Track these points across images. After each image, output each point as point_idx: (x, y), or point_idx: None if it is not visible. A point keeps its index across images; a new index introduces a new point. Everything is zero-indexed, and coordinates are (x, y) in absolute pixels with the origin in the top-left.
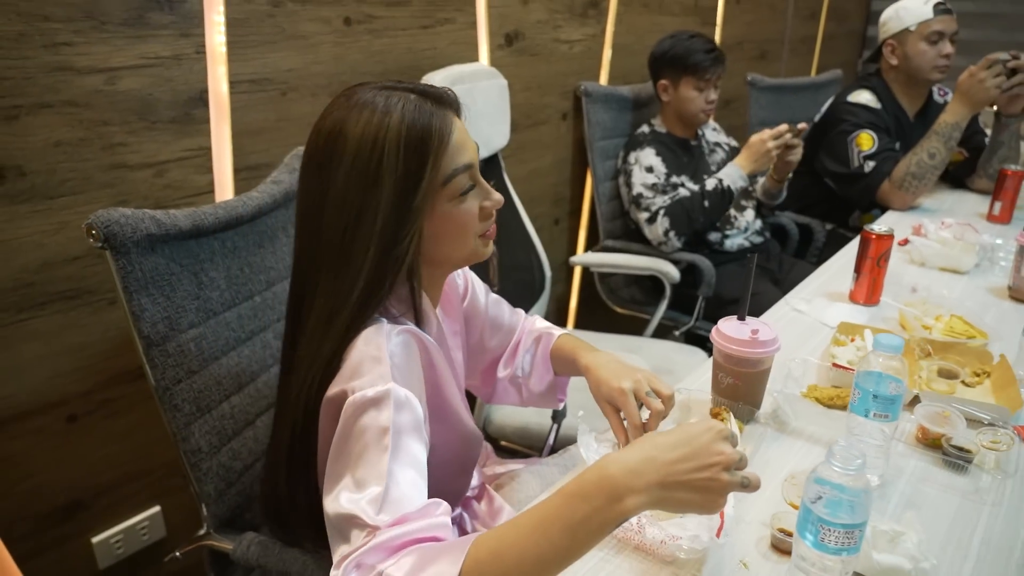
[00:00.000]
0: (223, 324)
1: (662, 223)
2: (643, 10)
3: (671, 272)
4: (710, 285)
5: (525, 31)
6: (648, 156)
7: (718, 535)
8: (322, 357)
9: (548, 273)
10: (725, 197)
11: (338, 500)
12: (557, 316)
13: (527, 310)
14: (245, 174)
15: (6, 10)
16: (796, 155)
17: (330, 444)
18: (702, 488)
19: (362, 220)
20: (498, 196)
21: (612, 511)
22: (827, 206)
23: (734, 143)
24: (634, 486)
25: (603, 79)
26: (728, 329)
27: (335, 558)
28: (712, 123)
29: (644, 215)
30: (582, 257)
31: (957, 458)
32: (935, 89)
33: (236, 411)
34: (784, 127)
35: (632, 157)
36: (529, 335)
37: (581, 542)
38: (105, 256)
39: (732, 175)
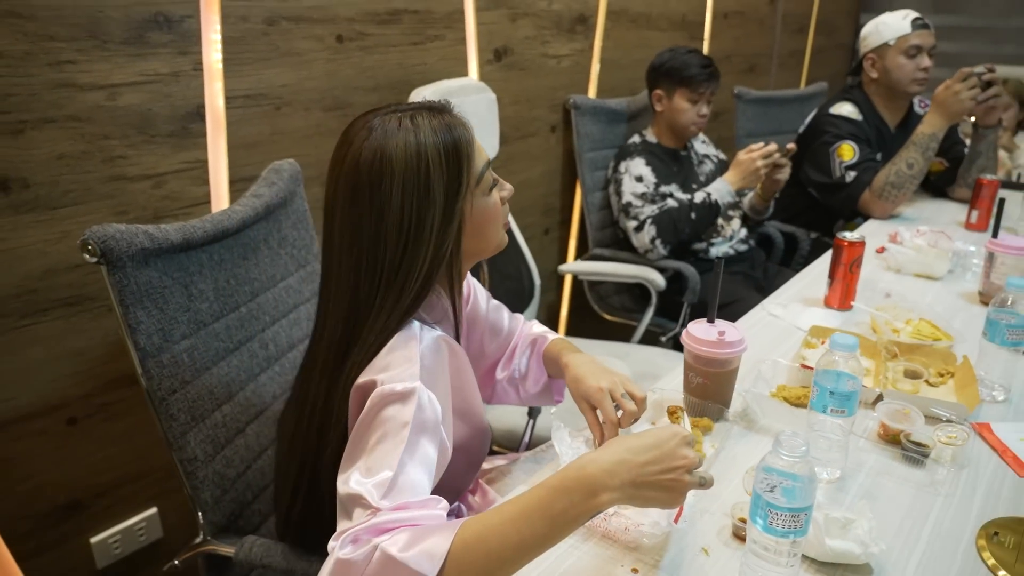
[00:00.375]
0: (212, 335)
1: (649, 231)
2: (631, 25)
3: (657, 280)
4: (695, 292)
5: (514, 47)
6: (638, 166)
7: (676, 521)
8: (368, 360)
9: (537, 281)
10: (712, 211)
11: (348, 481)
12: (548, 324)
13: None
14: (240, 185)
15: (13, 30)
16: (784, 174)
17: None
18: (667, 488)
19: (420, 230)
20: (510, 186)
21: (588, 505)
22: (811, 215)
23: (723, 156)
24: (609, 484)
25: (591, 92)
26: (697, 331)
27: (336, 532)
28: (701, 136)
29: (632, 223)
30: (570, 266)
31: (914, 452)
32: (916, 101)
33: (227, 419)
34: (773, 147)
35: (623, 166)
36: (526, 339)
37: (559, 530)
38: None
39: (720, 190)
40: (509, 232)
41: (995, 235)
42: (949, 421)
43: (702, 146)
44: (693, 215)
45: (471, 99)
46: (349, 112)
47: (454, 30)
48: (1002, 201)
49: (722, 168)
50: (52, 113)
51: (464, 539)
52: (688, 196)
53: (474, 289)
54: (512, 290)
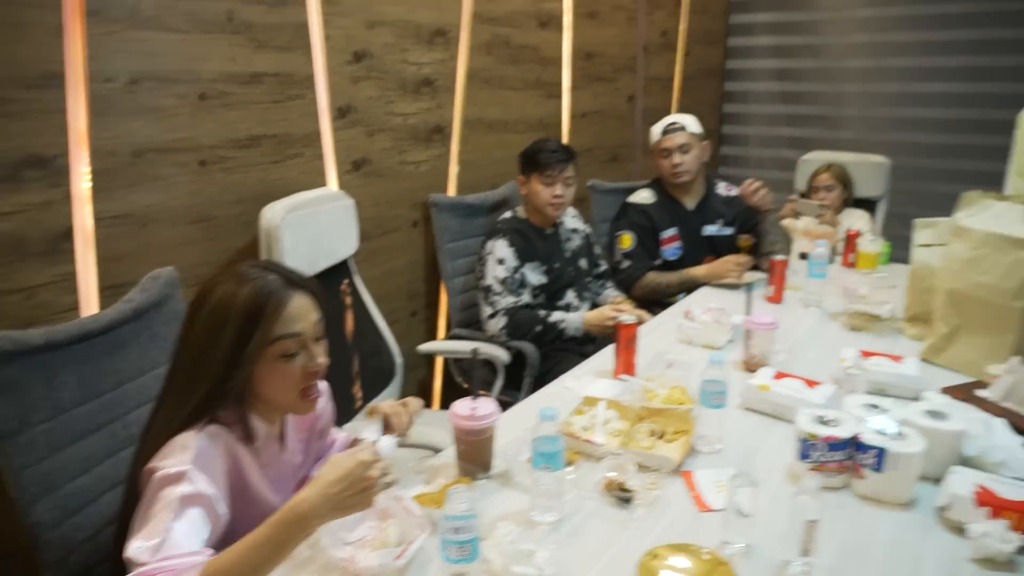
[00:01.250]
0: (72, 418)
1: (499, 321)
2: (487, 130)
3: (501, 356)
4: (535, 367)
5: (372, 157)
6: (501, 247)
7: (399, 558)
8: (155, 448)
9: (398, 360)
10: (556, 335)
11: (129, 548)
12: (421, 396)
13: (380, 392)
14: (110, 292)
15: None
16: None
17: None
18: (360, 502)
19: (204, 357)
20: (322, 362)
21: (302, 533)
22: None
23: (589, 230)
24: (315, 515)
25: (451, 190)
26: (458, 408)
27: None
28: (572, 210)
29: (488, 310)
30: (427, 346)
31: (620, 498)
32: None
33: (80, 491)
34: (634, 316)
35: (488, 246)
36: (336, 442)
37: (282, 554)
38: None
39: (573, 323)
40: (369, 317)
41: (748, 313)
42: (657, 471)
43: (572, 220)
44: (538, 328)
45: (326, 207)
46: (213, 224)
47: (312, 148)
48: (750, 285)
49: (587, 243)
50: None
51: (208, 572)
52: (546, 280)
53: (330, 406)
54: (374, 367)
